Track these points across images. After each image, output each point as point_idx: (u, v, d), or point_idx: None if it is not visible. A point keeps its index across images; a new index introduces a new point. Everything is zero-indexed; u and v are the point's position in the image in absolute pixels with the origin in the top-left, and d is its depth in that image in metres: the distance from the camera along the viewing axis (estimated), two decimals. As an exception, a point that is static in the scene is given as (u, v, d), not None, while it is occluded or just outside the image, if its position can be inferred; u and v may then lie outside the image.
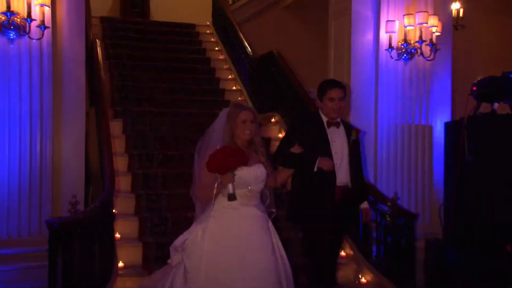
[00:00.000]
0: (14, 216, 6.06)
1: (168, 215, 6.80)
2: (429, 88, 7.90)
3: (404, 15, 7.64)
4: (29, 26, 6.06)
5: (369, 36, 7.94)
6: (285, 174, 4.67)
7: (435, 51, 7.68)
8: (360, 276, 6.53)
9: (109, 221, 6.01)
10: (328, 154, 4.76)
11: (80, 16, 6.84)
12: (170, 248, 4.32)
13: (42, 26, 6.13)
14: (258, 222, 4.23)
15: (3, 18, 5.93)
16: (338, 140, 4.87)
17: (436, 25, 7.58)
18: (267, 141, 8.29)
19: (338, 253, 5.40)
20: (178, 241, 4.31)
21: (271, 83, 9.05)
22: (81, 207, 6.20)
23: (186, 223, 6.55)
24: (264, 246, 4.17)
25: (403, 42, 7.66)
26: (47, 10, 6.22)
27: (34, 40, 6.17)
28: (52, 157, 6.38)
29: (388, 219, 6.59)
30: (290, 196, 5.07)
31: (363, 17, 7.93)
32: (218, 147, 4.21)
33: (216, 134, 4.40)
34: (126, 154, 7.66)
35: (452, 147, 6.57)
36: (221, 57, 10.99)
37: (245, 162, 4.12)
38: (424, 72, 7.85)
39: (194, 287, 4.05)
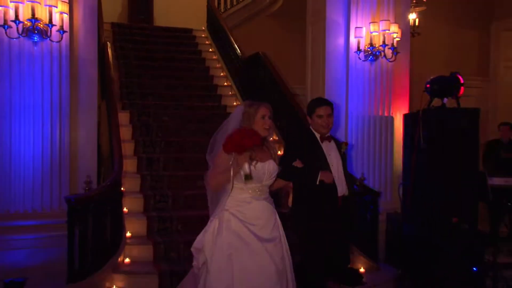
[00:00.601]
0: (38, 193, 6.16)
1: (169, 193, 6.81)
2: (390, 85, 7.95)
3: (370, 22, 7.68)
4: (50, 31, 6.11)
5: (341, 40, 7.95)
6: (281, 183, 4.29)
7: (396, 54, 7.75)
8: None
9: (118, 197, 6.07)
10: (326, 167, 4.63)
11: (93, 22, 6.83)
12: (192, 250, 3.96)
13: (61, 30, 6.20)
14: (269, 216, 3.91)
15: (28, 24, 5.98)
16: (332, 154, 4.75)
17: (396, 32, 7.63)
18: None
19: (348, 254, 5.36)
20: (197, 243, 3.94)
21: (257, 80, 9.03)
22: (94, 185, 6.32)
23: (184, 200, 6.75)
24: (273, 238, 3.86)
25: (369, 46, 7.69)
26: (66, 17, 6.27)
27: (55, 43, 6.23)
28: (69, 143, 6.44)
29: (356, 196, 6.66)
30: (293, 209, 4.79)
31: (336, 24, 7.93)
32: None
33: (226, 129, 3.96)
34: (133, 141, 7.68)
35: (410, 135, 6.55)
36: (214, 57, 10.92)
37: (261, 143, 3.85)
38: (386, 71, 7.90)
39: (212, 277, 3.73)
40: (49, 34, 6.14)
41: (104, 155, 7.05)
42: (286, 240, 3.97)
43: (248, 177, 3.73)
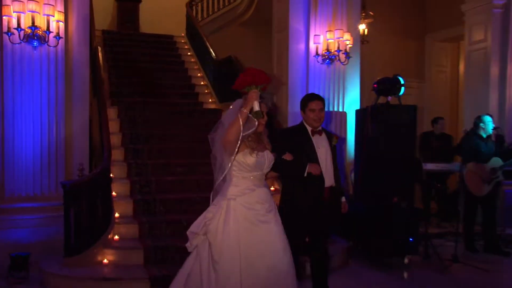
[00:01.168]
0: (38, 179, 6.20)
1: (152, 179, 6.80)
2: (344, 84, 8.08)
3: (326, 31, 7.79)
4: (48, 37, 6.14)
5: (302, 46, 8.03)
6: (271, 174, 4.01)
7: (348, 58, 7.86)
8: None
9: (107, 183, 6.05)
10: (315, 159, 4.37)
11: (86, 29, 6.80)
12: (188, 233, 3.61)
13: (57, 36, 6.23)
14: (270, 200, 3.65)
15: (29, 31, 6.03)
16: (322, 146, 4.48)
17: (349, 39, 7.75)
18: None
19: (327, 242, 4.87)
20: (194, 227, 3.59)
21: (229, 80, 8.87)
22: (86, 172, 6.35)
23: (165, 185, 6.76)
24: (276, 219, 3.63)
25: (326, 51, 7.81)
26: (61, 24, 6.31)
27: (52, 47, 6.25)
28: (65, 136, 6.44)
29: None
30: (282, 198, 4.58)
31: (298, 32, 8.01)
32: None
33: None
34: (120, 133, 7.63)
35: (360, 128, 6.67)
36: (192, 60, 10.91)
37: (267, 81, 3.52)
38: (340, 73, 8.01)
39: (223, 263, 3.42)
40: (47, 39, 6.16)
41: (95, 146, 6.97)
42: (278, 215, 3.73)
43: (258, 114, 3.40)
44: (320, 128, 4.53)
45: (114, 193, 6.35)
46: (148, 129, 7.95)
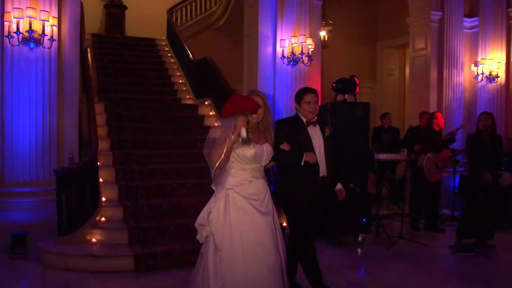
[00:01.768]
0: (33, 167, 6.12)
1: (135, 167, 6.73)
2: (307, 83, 7.76)
3: (291, 36, 7.80)
4: (43, 39, 6.10)
5: (270, 49, 8.02)
6: (270, 163, 3.68)
7: (311, 61, 7.87)
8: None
9: (95, 170, 6.04)
10: (310, 149, 4.09)
11: (77, 32, 6.72)
12: (196, 225, 3.39)
13: (51, 39, 6.18)
14: (266, 192, 3.39)
15: (26, 34, 6.00)
16: (315, 137, 4.19)
17: (311, 44, 7.78)
18: (202, 118, 8.41)
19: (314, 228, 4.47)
20: (201, 218, 3.37)
21: (205, 78, 9.03)
22: (76, 161, 6.37)
23: (147, 172, 6.70)
24: (269, 211, 3.38)
25: (291, 54, 7.80)
26: (55, 28, 6.27)
27: (46, 49, 6.18)
28: (57, 128, 6.36)
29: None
30: (278, 185, 4.32)
31: (266, 36, 8.00)
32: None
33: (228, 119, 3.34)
34: (107, 126, 7.56)
35: (321, 122, 6.79)
36: (172, 60, 10.85)
37: (256, 110, 3.32)
38: (304, 73, 7.99)
39: (225, 250, 3.20)
40: (42, 42, 6.11)
41: (85, 137, 6.92)
42: (276, 214, 3.48)
43: (245, 141, 3.23)
44: (314, 119, 4.25)
45: (101, 180, 6.31)
46: (132, 122, 7.89)
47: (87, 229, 5.50)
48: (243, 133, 3.22)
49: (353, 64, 11.59)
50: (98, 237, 5.51)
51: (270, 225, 3.32)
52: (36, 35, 6.03)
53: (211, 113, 8.58)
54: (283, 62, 7.91)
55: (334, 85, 6.75)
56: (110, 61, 10.02)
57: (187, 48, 10.02)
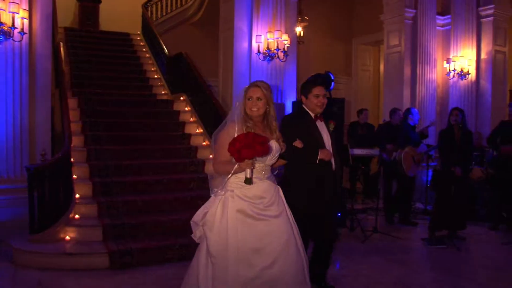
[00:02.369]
0: (3, 163, 6.01)
1: (110, 163, 6.62)
2: (282, 79, 8.12)
3: (267, 31, 7.81)
4: (13, 32, 5.95)
5: (245, 44, 8.04)
6: (281, 162, 3.31)
7: (286, 56, 7.92)
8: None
9: (68, 166, 5.91)
10: (321, 145, 3.83)
11: (49, 25, 6.57)
12: (191, 223, 3.14)
13: (22, 32, 6.02)
14: (273, 193, 3.07)
15: (-5, 27, 5.80)
16: (323, 132, 3.93)
17: (287, 39, 7.82)
18: (177, 113, 8.34)
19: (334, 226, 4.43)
20: (197, 216, 3.10)
21: (180, 73, 8.97)
22: (48, 157, 6.20)
23: (122, 168, 6.63)
24: (280, 213, 3.06)
25: (267, 49, 7.82)
26: (26, 21, 6.11)
27: (16, 42, 6.03)
28: (29, 124, 6.23)
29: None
30: (291, 186, 3.66)
31: (241, 32, 8.02)
32: (235, 126, 3.05)
33: (232, 112, 3.17)
34: (80, 121, 7.42)
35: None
36: (147, 55, 10.72)
37: (265, 152, 2.90)
38: (279, 69, 8.05)
39: (218, 256, 2.94)
40: (12, 35, 5.96)
41: (58, 133, 6.82)
42: (290, 211, 3.16)
43: (248, 181, 2.93)
44: (320, 114, 3.97)
45: (74, 176, 6.19)
46: (106, 118, 7.77)
47: (60, 226, 5.38)
48: (247, 174, 2.91)
49: (329, 60, 11.66)
50: (72, 234, 5.39)
51: (280, 229, 3.01)
52: (5, 28, 5.86)
53: (186, 109, 8.51)
54: (259, 58, 7.91)
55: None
56: (84, 55, 9.84)
57: (162, 43, 9.93)
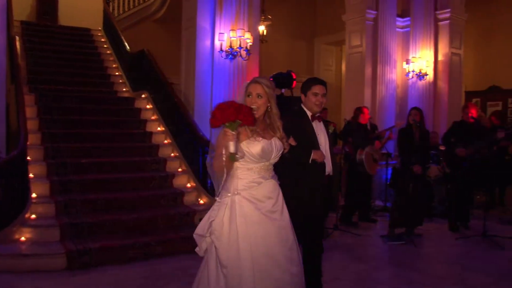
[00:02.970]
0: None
1: (68, 161, 6.46)
2: (245, 77, 7.97)
3: (230, 30, 7.75)
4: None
5: (208, 42, 7.96)
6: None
7: (249, 55, 7.88)
8: (199, 199, 6.58)
9: (24, 165, 5.74)
10: (316, 146, 3.74)
11: (3, 18, 6.38)
12: (194, 236, 2.92)
13: (-28, 25, 5.79)
14: (278, 193, 2.92)
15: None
16: (321, 133, 3.84)
17: (249, 38, 7.79)
18: (138, 111, 8.22)
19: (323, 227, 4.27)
20: (200, 228, 2.89)
21: (142, 71, 8.85)
22: (3, 155, 6.00)
23: (81, 166, 6.50)
24: (282, 212, 2.91)
25: (229, 48, 7.75)
26: None
27: (-33, 36, 5.80)
28: (-18, 121, 6.01)
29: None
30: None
31: (204, 29, 7.93)
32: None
33: None
34: (37, 118, 7.21)
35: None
36: (108, 52, 10.52)
37: (249, 122, 2.70)
38: (242, 67, 7.99)
39: (230, 266, 2.73)
40: (-39, 27, 5.68)
41: (13, 131, 6.61)
42: (287, 210, 3.00)
43: (232, 157, 2.69)
44: (318, 114, 3.89)
45: (31, 175, 6.00)
46: (65, 115, 7.59)
47: (15, 227, 5.20)
48: (231, 148, 2.67)
49: (291, 59, 11.75)
50: (28, 235, 5.22)
51: (283, 224, 2.89)
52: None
53: (148, 106, 8.40)
54: (221, 56, 7.85)
55: (271, 79, 6.77)
56: (42, 50, 9.59)
57: (124, 40, 9.79)
